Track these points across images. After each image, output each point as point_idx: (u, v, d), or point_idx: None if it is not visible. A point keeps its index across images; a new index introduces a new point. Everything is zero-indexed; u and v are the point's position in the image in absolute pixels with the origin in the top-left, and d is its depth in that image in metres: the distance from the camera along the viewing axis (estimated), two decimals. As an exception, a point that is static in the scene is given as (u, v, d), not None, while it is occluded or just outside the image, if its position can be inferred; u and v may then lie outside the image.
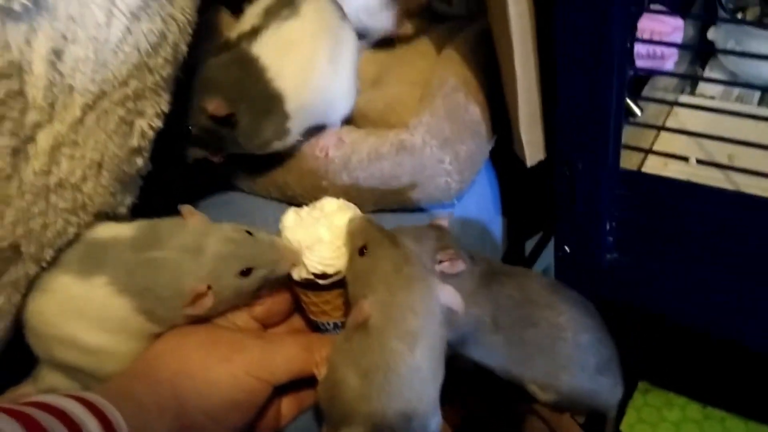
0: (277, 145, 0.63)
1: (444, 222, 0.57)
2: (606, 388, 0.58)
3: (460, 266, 0.53)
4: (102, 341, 0.51)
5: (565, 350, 0.55)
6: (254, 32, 0.61)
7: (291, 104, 0.60)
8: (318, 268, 0.53)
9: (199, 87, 0.58)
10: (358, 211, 0.56)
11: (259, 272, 0.52)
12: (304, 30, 0.62)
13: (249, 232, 0.53)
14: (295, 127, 0.62)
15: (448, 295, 0.48)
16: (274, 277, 0.54)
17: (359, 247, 0.50)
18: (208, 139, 0.60)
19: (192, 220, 0.53)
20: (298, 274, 0.54)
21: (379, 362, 0.44)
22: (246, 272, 0.52)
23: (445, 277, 0.52)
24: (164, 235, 0.52)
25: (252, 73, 0.59)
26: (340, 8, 0.68)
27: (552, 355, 0.55)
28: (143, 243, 0.51)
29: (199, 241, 0.51)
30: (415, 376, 0.45)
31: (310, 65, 0.62)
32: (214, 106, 0.56)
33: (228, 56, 0.60)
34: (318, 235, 0.53)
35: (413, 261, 0.48)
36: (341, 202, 0.57)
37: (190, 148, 0.60)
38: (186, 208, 0.53)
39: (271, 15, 0.62)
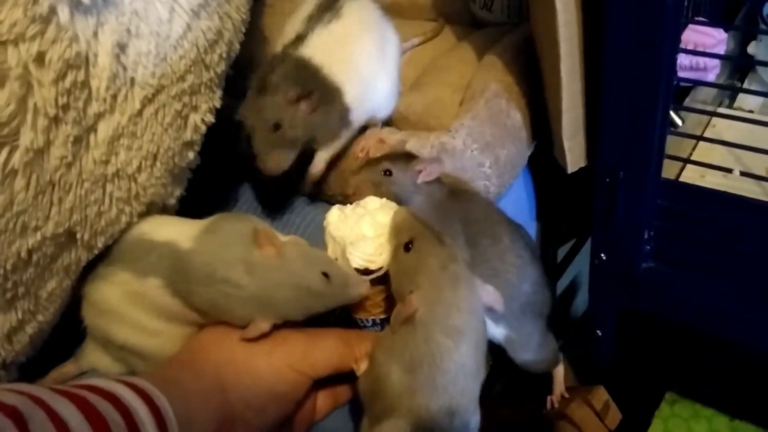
0: (345, 135, 0.64)
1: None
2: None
3: (437, 168, 0.57)
4: (160, 326, 0.52)
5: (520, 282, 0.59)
6: (299, 39, 0.62)
7: (349, 96, 0.62)
8: (361, 264, 0.53)
9: (270, 91, 0.59)
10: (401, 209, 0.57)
11: (330, 301, 0.52)
12: (349, 29, 0.64)
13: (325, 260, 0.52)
14: (356, 118, 0.64)
15: (489, 295, 0.49)
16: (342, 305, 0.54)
17: (405, 243, 0.50)
18: (298, 133, 0.60)
19: (266, 251, 0.49)
20: None
21: (425, 357, 0.45)
22: (320, 299, 0.51)
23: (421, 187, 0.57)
24: (225, 257, 0.49)
25: (309, 70, 0.60)
26: (381, 9, 0.70)
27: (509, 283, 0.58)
28: (202, 258, 0.50)
29: (268, 275, 0.49)
30: (460, 372, 0.45)
31: (360, 60, 0.64)
32: (294, 91, 0.58)
33: (282, 64, 0.61)
34: (361, 232, 0.54)
35: (459, 259, 0.49)
36: (384, 200, 0.58)
37: (281, 155, 0.60)
38: (263, 234, 0.50)
39: (313, 21, 0.63)
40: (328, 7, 0.64)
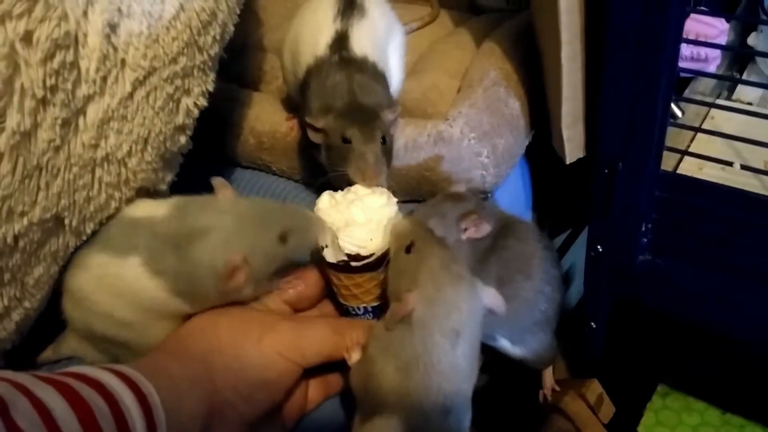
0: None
1: (461, 187, 0.58)
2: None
3: (486, 229, 0.56)
4: (137, 318, 0.51)
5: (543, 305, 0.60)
6: (342, 38, 0.62)
7: (392, 86, 0.64)
8: (352, 250, 0.53)
9: (367, 106, 0.59)
10: (391, 196, 0.56)
11: (293, 239, 0.52)
12: (377, 24, 0.65)
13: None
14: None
15: (491, 297, 0.48)
16: (307, 248, 0.54)
17: (406, 245, 0.50)
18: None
19: (223, 193, 0.52)
20: (332, 256, 0.54)
21: (421, 356, 0.44)
22: (282, 238, 0.52)
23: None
24: (196, 210, 0.51)
25: (369, 68, 0.61)
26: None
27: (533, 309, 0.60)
28: (176, 221, 0.51)
29: (232, 211, 0.51)
30: (454, 372, 0.45)
31: (391, 53, 0.65)
32: (389, 112, 0.60)
33: (341, 65, 0.61)
34: (352, 217, 0.54)
35: (460, 260, 0.49)
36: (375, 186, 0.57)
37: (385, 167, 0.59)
38: (218, 181, 0.53)
39: (346, 19, 0.63)
40: (351, 3, 0.64)
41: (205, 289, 0.50)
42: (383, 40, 0.65)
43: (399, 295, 0.47)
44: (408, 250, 0.49)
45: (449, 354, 0.45)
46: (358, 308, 0.56)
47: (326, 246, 0.54)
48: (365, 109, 0.58)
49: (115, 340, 0.52)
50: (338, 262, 0.54)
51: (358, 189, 0.56)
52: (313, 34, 0.63)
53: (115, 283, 0.51)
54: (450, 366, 0.45)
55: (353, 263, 0.53)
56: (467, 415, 0.47)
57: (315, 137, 0.59)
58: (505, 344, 0.62)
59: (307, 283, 0.56)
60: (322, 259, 0.54)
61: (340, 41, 0.61)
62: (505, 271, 0.58)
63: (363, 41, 0.62)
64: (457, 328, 0.45)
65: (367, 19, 0.63)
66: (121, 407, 0.40)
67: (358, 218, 0.54)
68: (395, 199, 0.56)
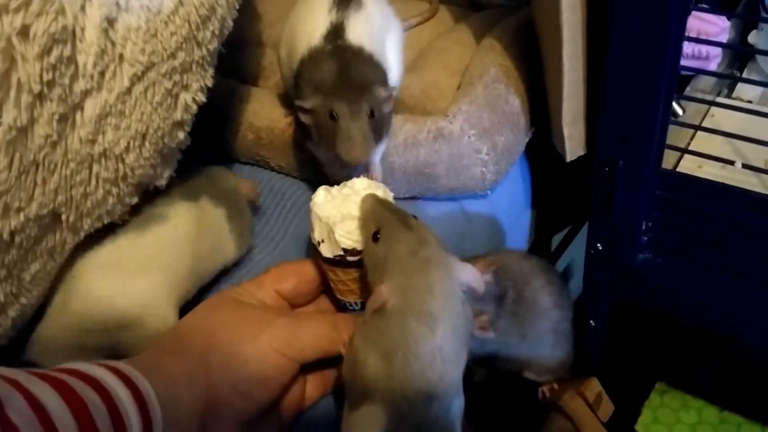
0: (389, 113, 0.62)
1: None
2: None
3: (489, 335, 0.57)
4: None
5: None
6: (339, 29, 0.61)
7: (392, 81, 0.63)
8: (348, 244, 0.52)
9: (358, 81, 0.58)
10: (387, 190, 0.56)
11: None
12: (374, 17, 0.65)
13: None
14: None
15: (468, 274, 0.48)
16: None
17: (373, 233, 0.49)
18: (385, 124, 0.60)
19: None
20: (328, 251, 0.53)
21: (399, 343, 0.44)
22: None
23: None
24: None
25: (365, 58, 0.60)
26: None
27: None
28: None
29: None
30: (437, 356, 0.44)
31: (382, 47, 0.64)
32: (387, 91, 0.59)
33: (347, 56, 0.60)
34: (348, 211, 0.53)
35: (429, 241, 0.47)
36: (371, 180, 0.57)
37: (371, 143, 0.58)
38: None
39: (342, 10, 0.62)
40: None
41: None
42: (380, 34, 0.64)
43: (374, 287, 0.47)
44: (375, 238, 0.49)
45: (429, 339, 0.44)
46: (355, 303, 0.56)
47: (322, 241, 0.53)
48: (353, 84, 0.58)
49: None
50: (334, 256, 0.53)
51: (354, 183, 0.56)
52: (308, 26, 0.63)
53: None
54: (431, 351, 0.44)
55: (349, 258, 0.53)
56: (456, 401, 0.46)
57: (306, 119, 0.59)
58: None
59: (302, 277, 0.56)
60: (318, 254, 0.54)
61: (336, 32, 0.61)
62: (513, 309, 0.61)
63: (359, 32, 0.61)
64: (433, 312, 0.44)
65: (363, 11, 0.63)
66: (116, 403, 0.39)
67: (354, 212, 0.53)
68: (391, 193, 0.55)
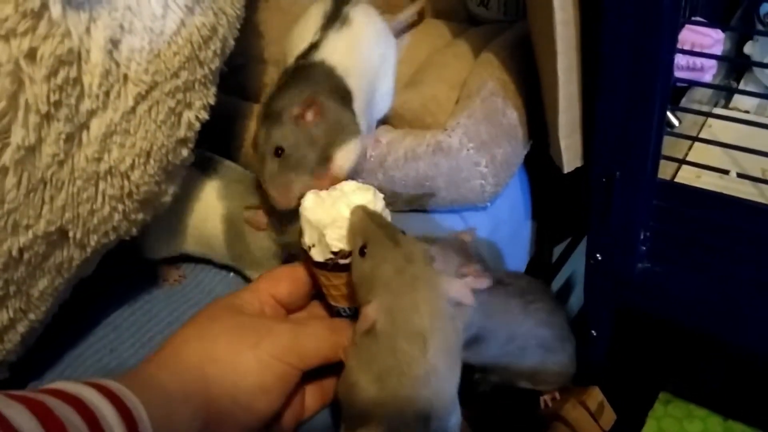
0: (353, 144, 0.60)
1: (467, 237, 0.56)
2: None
3: (485, 283, 0.51)
4: None
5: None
6: (313, 47, 0.62)
7: (357, 102, 0.61)
8: (338, 246, 0.52)
9: (273, 116, 0.56)
10: (377, 192, 0.55)
11: None
12: (359, 37, 0.64)
13: None
14: (362, 124, 0.62)
15: (457, 289, 0.47)
16: None
17: (359, 247, 0.48)
18: (304, 152, 0.57)
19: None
20: (320, 255, 0.53)
21: (392, 366, 0.43)
22: None
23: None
24: None
25: (323, 71, 0.59)
26: (381, 16, 0.70)
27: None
28: None
29: None
30: (431, 377, 0.44)
31: (368, 66, 0.64)
32: (297, 107, 0.56)
33: (294, 72, 0.59)
34: (338, 214, 0.52)
35: (415, 258, 0.46)
36: (361, 183, 0.56)
37: (288, 183, 0.56)
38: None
39: (325, 30, 0.63)
40: (335, 14, 0.64)
41: None
42: (365, 51, 0.64)
43: (362, 304, 0.46)
44: (362, 252, 0.48)
45: (419, 359, 0.43)
46: (349, 309, 0.55)
47: (313, 245, 0.53)
48: (272, 110, 0.56)
49: None
50: (326, 260, 0.53)
51: (343, 186, 0.55)
52: (296, 46, 0.63)
53: None
54: (424, 371, 0.43)
55: (341, 261, 0.52)
56: (453, 416, 0.46)
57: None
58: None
59: (296, 281, 0.55)
60: (310, 259, 0.54)
61: (309, 50, 0.61)
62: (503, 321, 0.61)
63: (329, 49, 0.61)
64: (422, 331, 0.44)
65: (348, 29, 0.63)
66: (102, 424, 0.38)
67: (344, 214, 0.52)
68: (381, 195, 0.55)
